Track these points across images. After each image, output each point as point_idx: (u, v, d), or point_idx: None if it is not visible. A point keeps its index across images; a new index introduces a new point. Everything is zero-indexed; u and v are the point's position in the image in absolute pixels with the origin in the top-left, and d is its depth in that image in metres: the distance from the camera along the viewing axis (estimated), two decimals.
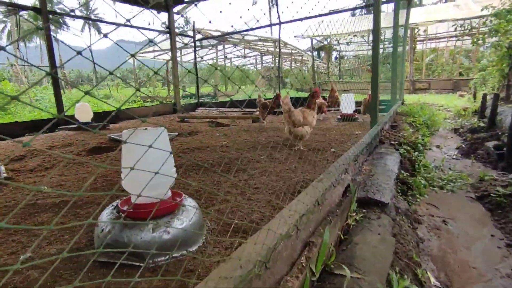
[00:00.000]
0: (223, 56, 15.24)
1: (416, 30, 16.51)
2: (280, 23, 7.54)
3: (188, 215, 1.58)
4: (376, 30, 3.15)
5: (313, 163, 2.69)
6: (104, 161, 3.08)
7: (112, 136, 4.16)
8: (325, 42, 16.15)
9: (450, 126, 6.62)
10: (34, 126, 5.55)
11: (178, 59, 13.14)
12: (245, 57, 15.95)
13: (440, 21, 14.05)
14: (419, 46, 18.48)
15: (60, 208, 1.93)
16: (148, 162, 1.52)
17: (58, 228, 0.95)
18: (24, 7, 6.49)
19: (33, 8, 6.21)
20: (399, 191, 2.36)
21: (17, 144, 4.25)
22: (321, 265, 1.01)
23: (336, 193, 1.51)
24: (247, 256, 0.77)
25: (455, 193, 2.70)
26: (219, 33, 12.20)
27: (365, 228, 1.40)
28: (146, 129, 1.54)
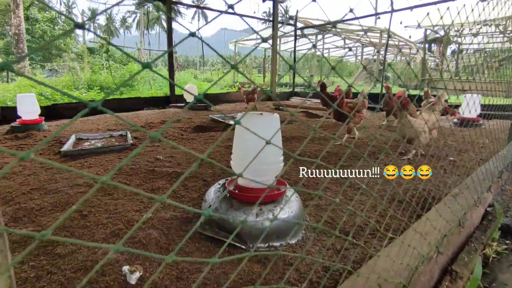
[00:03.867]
0: (321, 46, 14.80)
1: None
2: (393, 11, 6.78)
3: (291, 206, 1.53)
4: None
5: None
6: (207, 140, 3.30)
7: (214, 117, 4.45)
8: (441, 33, 13.98)
9: None
10: (151, 101, 6.41)
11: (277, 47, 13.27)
12: (344, 48, 15.13)
13: None
14: None
15: (172, 177, 2.12)
16: (258, 147, 1.52)
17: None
18: None
19: None
20: None
21: (139, 115, 4.94)
22: None
23: (476, 215, 1.23)
24: (385, 273, 0.65)
25: None
26: (320, 23, 11.79)
27: None
28: (261, 113, 1.53)
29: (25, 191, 1.81)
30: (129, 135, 3.21)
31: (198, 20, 53.05)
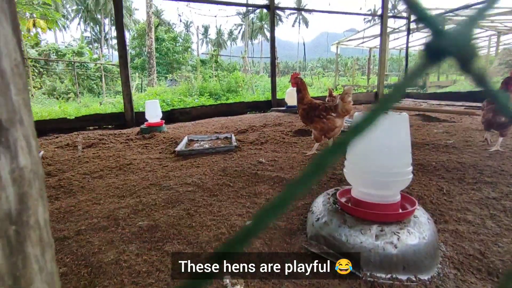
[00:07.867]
0: None
1: None
2: None
3: (421, 230, 1.20)
4: None
5: None
6: (310, 144, 3.12)
7: None
8: None
9: None
10: (253, 106, 6.65)
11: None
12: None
13: None
14: None
15: (274, 182, 2.01)
16: (382, 153, 1.25)
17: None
18: (256, 6, 7.79)
19: (264, 6, 7.31)
20: None
21: (242, 119, 5.13)
22: None
23: None
24: None
25: None
26: (441, 11, 10.13)
27: None
28: (386, 112, 1.25)
29: (145, 186, 1.99)
30: (233, 138, 3.31)
31: (299, 25, 53.73)
